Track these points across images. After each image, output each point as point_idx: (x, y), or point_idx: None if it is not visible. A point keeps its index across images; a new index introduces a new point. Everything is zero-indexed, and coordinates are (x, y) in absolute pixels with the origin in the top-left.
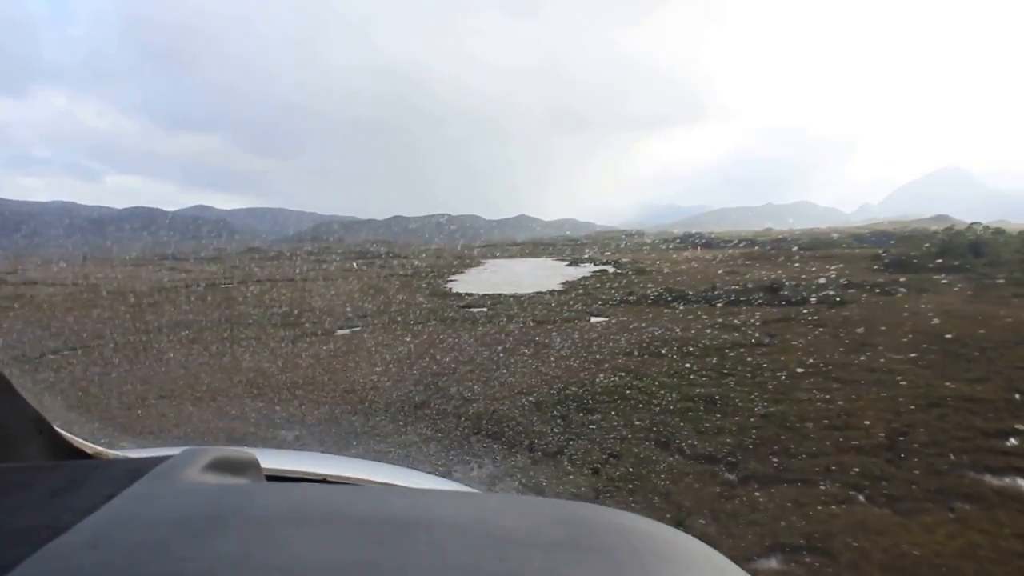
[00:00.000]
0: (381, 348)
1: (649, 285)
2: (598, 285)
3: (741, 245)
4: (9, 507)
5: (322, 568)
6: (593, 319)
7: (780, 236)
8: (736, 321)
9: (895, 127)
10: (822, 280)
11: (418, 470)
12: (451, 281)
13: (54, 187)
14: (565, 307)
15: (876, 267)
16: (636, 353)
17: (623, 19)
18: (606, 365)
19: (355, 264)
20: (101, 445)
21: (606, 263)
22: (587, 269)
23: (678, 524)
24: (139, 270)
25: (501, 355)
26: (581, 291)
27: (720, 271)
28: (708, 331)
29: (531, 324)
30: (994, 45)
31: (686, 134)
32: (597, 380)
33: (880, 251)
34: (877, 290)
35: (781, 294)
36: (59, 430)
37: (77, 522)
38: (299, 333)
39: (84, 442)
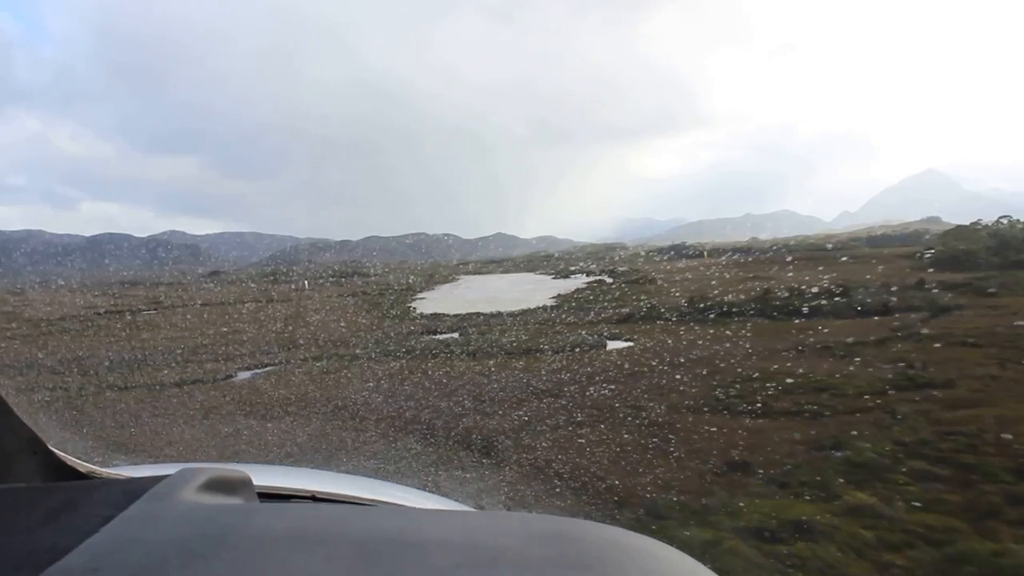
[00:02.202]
0: (272, 412)
1: (663, 296)
2: (598, 298)
3: (737, 254)
4: (8, 530)
5: None
6: (612, 344)
7: (774, 244)
8: (831, 341)
9: (871, 133)
10: (881, 284)
11: (406, 486)
12: (418, 299)
13: (29, 215)
14: (565, 328)
15: (929, 268)
16: (719, 413)
17: (600, 27)
18: (678, 449)
19: (305, 283)
20: (95, 464)
21: (600, 273)
22: (579, 281)
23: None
24: (70, 296)
25: (475, 424)
26: (580, 306)
27: (739, 278)
28: (806, 360)
29: (523, 357)
30: (968, 47)
31: (663, 146)
32: (684, 499)
33: (920, 250)
34: (969, 293)
35: (848, 302)
36: (54, 450)
37: (77, 544)
38: (180, 379)
39: (78, 461)
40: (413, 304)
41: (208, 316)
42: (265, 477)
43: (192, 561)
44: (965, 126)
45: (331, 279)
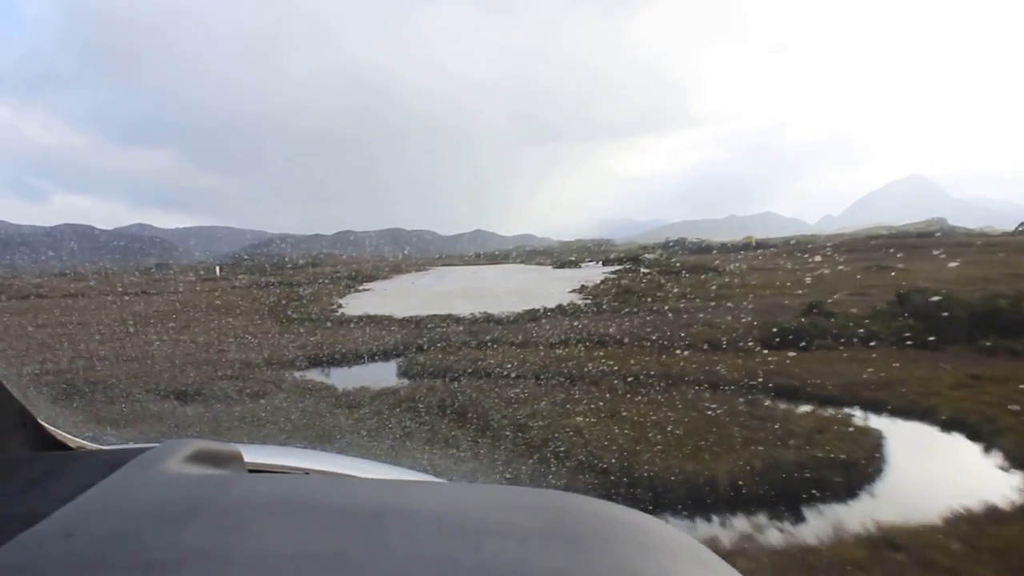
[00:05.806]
0: None
1: (788, 295)
2: (652, 294)
3: (751, 250)
4: None
5: (293, 559)
6: (896, 440)
7: (794, 239)
8: None
9: (857, 137)
10: None
11: (400, 465)
12: (356, 293)
13: None
14: (653, 360)
15: None
16: None
17: (592, 19)
18: None
19: (219, 272)
20: (85, 439)
21: (624, 261)
22: (596, 270)
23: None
24: None
25: None
26: (633, 308)
27: (855, 271)
28: None
29: None
30: (954, 56)
31: (649, 145)
32: None
33: None
34: None
35: None
36: (43, 423)
37: (52, 512)
38: None
39: (67, 435)
40: (343, 301)
41: (30, 312)
42: (258, 455)
43: (167, 529)
44: (946, 134)
45: (280, 272)
